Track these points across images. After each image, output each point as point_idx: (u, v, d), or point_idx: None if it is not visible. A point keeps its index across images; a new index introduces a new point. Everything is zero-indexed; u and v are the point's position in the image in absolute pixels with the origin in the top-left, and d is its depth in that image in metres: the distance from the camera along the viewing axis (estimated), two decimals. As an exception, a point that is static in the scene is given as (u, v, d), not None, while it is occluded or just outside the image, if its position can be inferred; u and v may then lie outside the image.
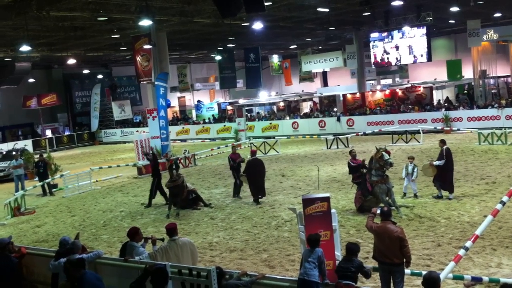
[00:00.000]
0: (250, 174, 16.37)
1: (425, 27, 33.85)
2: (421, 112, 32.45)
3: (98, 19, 25.18)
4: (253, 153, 17.21)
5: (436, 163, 14.48)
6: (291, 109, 45.56)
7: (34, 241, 14.07)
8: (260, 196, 16.32)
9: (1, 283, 8.19)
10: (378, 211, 8.18)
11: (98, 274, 8.35)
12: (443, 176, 14.51)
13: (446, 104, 33.78)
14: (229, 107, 48.68)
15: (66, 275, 7.02)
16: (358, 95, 39.88)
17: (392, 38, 35.58)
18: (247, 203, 16.25)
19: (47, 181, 21.26)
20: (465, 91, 41.07)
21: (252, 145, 27.85)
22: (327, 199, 8.07)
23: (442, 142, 14.88)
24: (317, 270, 6.95)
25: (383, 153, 13.28)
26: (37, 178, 22.28)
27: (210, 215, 15.26)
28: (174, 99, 50.32)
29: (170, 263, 7.51)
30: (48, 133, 42.90)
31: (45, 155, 23.47)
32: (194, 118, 47.73)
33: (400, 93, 38.62)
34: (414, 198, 14.70)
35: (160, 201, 17.71)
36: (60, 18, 24.09)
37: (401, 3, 27.35)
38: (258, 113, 45.06)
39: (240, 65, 44.75)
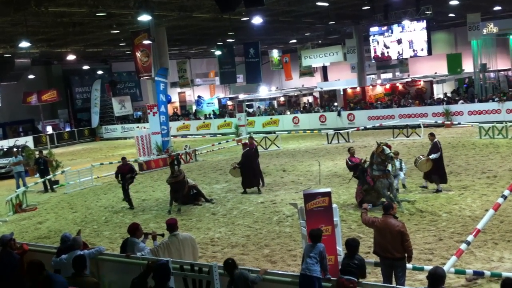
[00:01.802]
0: (245, 166, 16.98)
1: (425, 20, 33.76)
2: (422, 106, 32.42)
3: (97, 14, 25.13)
4: (245, 145, 17.92)
5: (433, 156, 14.53)
6: (291, 104, 45.52)
7: (36, 238, 14.09)
8: (261, 185, 17.22)
9: (3, 280, 8.20)
10: (369, 207, 8.21)
11: (100, 270, 8.38)
12: (439, 168, 14.66)
13: (445, 99, 33.72)
14: (229, 103, 48.64)
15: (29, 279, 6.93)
16: (358, 89, 39.84)
17: (392, 32, 35.50)
18: (248, 198, 16.26)
19: (48, 177, 21.28)
20: (465, 84, 41.09)
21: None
22: (328, 194, 8.06)
23: (432, 135, 15.05)
24: (319, 266, 6.95)
25: (384, 147, 13.27)
26: (37, 175, 22.30)
27: (211, 210, 15.27)
28: (174, 94, 50.28)
29: (171, 259, 7.52)
30: (49, 130, 42.91)
31: (46, 152, 23.46)
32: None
33: (400, 87, 38.58)
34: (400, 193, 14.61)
35: (163, 197, 17.74)
36: (58, 13, 24.04)
37: (401, -4, 27.29)
38: (258, 107, 45.04)
39: (240, 60, 44.67)
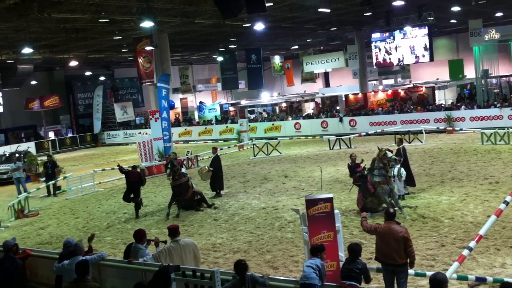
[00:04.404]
0: (216, 169, 17.74)
1: (426, 27, 33.81)
2: (424, 112, 32.43)
3: (100, 20, 25.20)
4: (215, 150, 18.69)
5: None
6: (293, 109, 45.57)
7: (38, 243, 14.10)
8: (219, 191, 17.85)
9: (6, 285, 8.22)
10: (368, 215, 8.21)
11: (102, 275, 8.39)
12: (408, 173, 15.03)
13: (444, 106, 33.73)
14: (231, 108, 48.72)
15: None
16: (360, 95, 39.86)
17: (393, 39, 35.56)
18: (250, 204, 16.26)
19: (52, 182, 21.37)
20: (467, 90, 41.15)
21: (254, 146, 27.80)
22: (330, 200, 8.07)
23: (401, 141, 15.65)
24: (317, 275, 6.92)
25: (387, 151, 13.30)
26: (43, 179, 22.44)
27: (213, 216, 15.27)
28: (176, 100, 50.28)
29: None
30: (51, 135, 42.97)
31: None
32: (197, 119, 47.78)
33: (402, 93, 38.60)
34: (401, 200, 14.45)
35: (164, 202, 17.74)
36: (61, 20, 24.11)
37: (402, 3, 27.27)
38: (260, 113, 45.07)
39: (242, 66, 44.78)
